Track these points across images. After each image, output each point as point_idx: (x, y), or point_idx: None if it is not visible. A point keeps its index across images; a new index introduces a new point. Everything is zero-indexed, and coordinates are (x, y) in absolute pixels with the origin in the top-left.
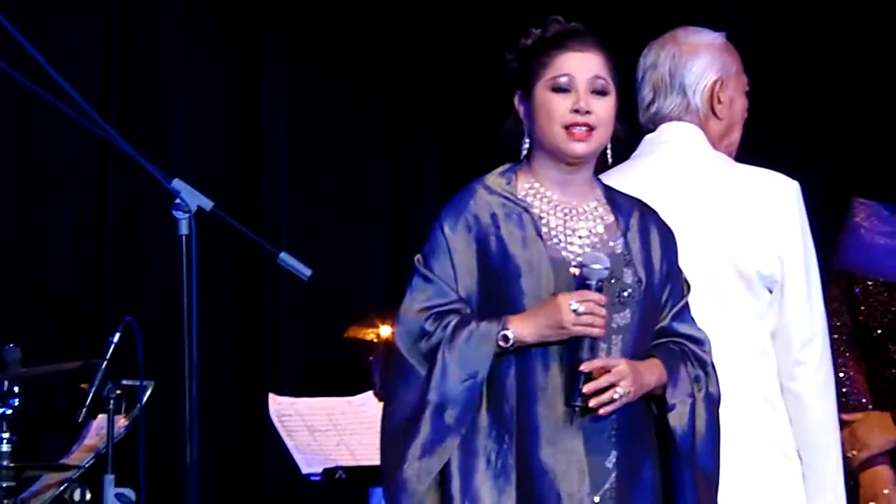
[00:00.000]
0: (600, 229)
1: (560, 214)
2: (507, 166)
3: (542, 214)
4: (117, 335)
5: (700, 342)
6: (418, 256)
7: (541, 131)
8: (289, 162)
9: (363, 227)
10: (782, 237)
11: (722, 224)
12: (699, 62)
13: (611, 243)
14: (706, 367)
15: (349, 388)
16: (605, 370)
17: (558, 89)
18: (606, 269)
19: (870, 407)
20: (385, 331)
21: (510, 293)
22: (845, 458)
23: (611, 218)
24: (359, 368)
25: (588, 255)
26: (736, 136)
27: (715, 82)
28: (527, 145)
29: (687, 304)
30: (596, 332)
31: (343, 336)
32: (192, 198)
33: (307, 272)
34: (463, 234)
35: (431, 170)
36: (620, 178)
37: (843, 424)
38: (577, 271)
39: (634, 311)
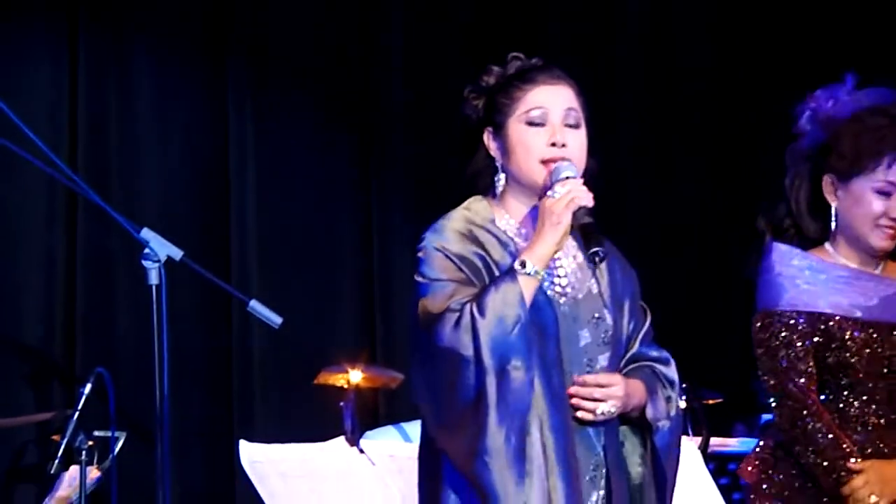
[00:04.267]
0: (575, 266)
1: None
2: (478, 200)
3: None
4: (88, 386)
5: (667, 361)
6: (417, 277)
7: (517, 167)
8: (258, 209)
9: (333, 273)
10: None
11: None
12: None
13: (587, 283)
14: (674, 386)
15: (320, 433)
16: (598, 385)
17: (533, 123)
18: (569, 166)
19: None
20: (355, 376)
21: None
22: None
23: (580, 256)
24: (330, 414)
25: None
26: None
27: None
28: (502, 181)
29: (650, 329)
30: (581, 195)
31: (313, 382)
32: (162, 247)
33: (278, 320)
34: (458, 242)
35: (400, 214)
36: None
37: (849, 472)
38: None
39: (612, 350)
